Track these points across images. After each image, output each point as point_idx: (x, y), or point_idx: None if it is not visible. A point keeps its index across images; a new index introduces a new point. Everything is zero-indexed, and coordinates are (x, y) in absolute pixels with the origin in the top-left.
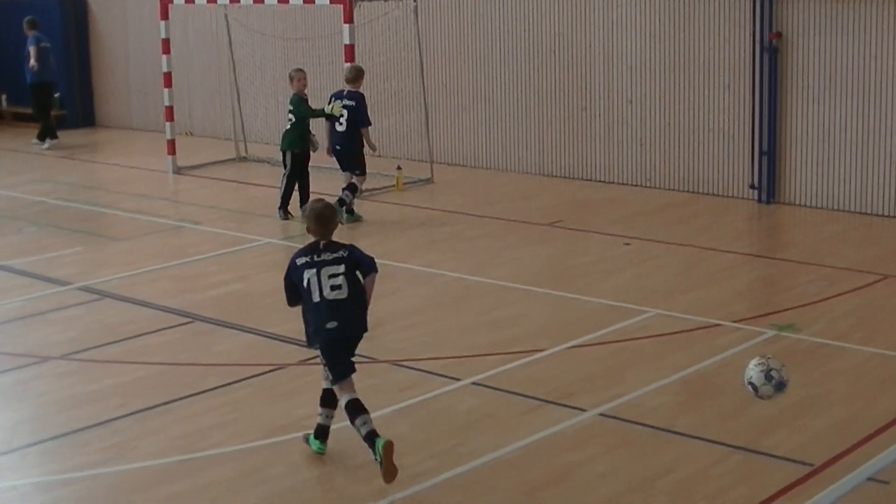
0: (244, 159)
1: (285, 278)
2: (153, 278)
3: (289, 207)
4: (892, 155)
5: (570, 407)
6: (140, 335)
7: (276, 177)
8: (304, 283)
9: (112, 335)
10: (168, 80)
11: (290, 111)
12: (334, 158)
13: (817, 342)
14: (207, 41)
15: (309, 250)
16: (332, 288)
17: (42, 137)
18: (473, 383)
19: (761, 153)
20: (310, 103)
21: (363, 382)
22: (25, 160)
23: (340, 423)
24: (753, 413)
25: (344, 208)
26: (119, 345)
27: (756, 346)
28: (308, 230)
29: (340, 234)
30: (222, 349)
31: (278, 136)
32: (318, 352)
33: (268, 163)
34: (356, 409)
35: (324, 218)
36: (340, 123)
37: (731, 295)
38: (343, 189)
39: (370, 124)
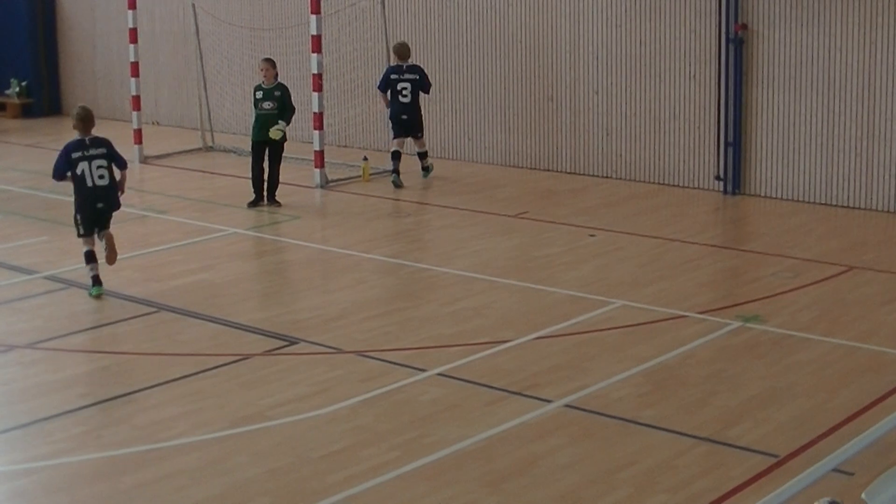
0: (210, 149)
1: (58, 161)
2: (119, 267)
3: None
4: (857, 147)
5: (534, 398)
6: (105, 324)
7: (242, 166)
8: (79, 172)
9: (77, 324)
10: (135, 69)
11: (278, 98)
12: (395, 127)
13: (781, 333)
14: (174, 30)
15: (79, 146)
16: (99, 177)
17: None
18: (438, 374)
19: (727, 144)
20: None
21: (327, 374)
22: None
23: (305, 414)
24: (718, 404)
25: (430, 167)
26: (84, 334)
27: (721, 338)
28: (75, 128)
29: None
30: (187, 339)
31: (245, 126)
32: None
33: (234, 152)
34: (89, 258)
35: (87, 119)
36: (404, 96)
37: (695, 286)
38: (421, 154)
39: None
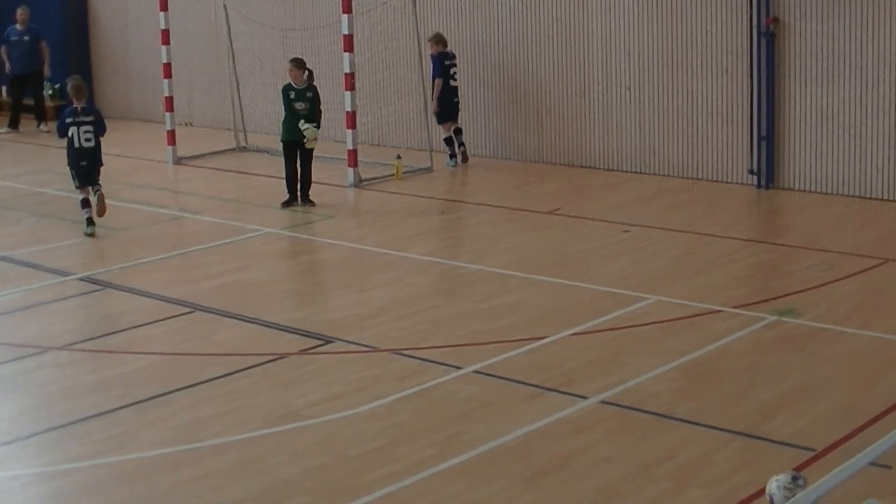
0: (244, 149)
1: (58, 123)
2: (153, 268)
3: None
4: (890, 138)
5: (570, 394)
6: (140, 325)
7: (276, 166)
8: (69, 134)
9: (113, 325)
10: (168, 70)
11: (310, 99)
12: (449, 112)
13: (817, 327)
14: (206, 31)
15: (72, 113)
16: (86, 140)
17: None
18: (474, 371)
19: (759, 138)
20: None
21: (363, 373)
22: (25, 150)
23: (341, 413)
24: (754, 398)
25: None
26: (120, 335)
27: (756, 332)
28: (70, 97)
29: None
30: (223, 339)
31: (278, 126)
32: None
33: (267, 152)
34: (84, 204)
35: (79, 89)
36: (455, 80)
37: (730, 280)
38: (458, 135)
39: None
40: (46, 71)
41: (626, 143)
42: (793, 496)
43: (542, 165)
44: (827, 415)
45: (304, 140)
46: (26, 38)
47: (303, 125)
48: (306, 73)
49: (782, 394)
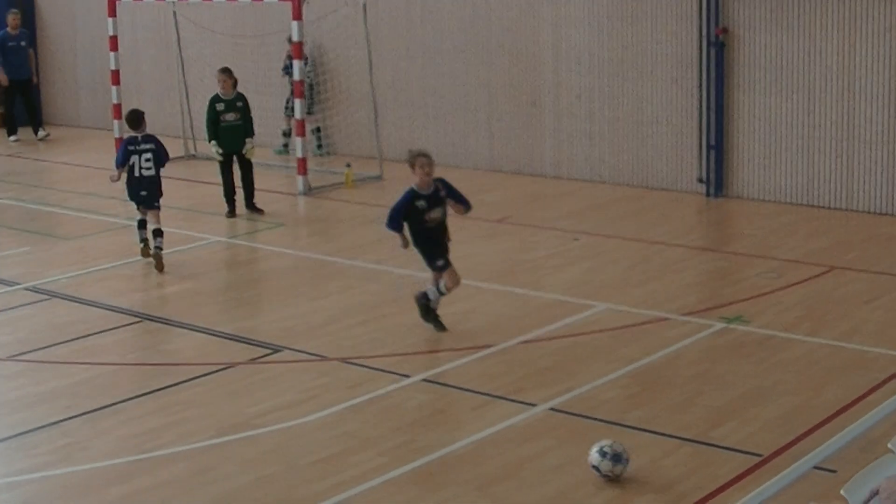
0: (193, 157)
1: (119, 153)
2: (102, 277)
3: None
4: (837, 147)
5: (521, 402)
6: (89, 335)
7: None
8: (129, 162)
9: (60, 335)
10: (116, 77)
11: (240, 108)
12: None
13: (766, 333)
14: (156, 38)
15: (132, 141)
16: (146, 169)
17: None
18: (424, 380)
19: (709, 147)
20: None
21: (313, 382)
22: None
23: (292, 421)
24: (703, 405)
25: None
26: (68, 345)
27: (706, 339)
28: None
29: None
30: (172, 348)
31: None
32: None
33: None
34: (141, 225)
35: (137, 119)
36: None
37: (680, 288)
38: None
39: None
40: (35, 78)
41: (577, 152)
42: (600, 446)
43: (493, 174)
44: (775, 420)
45: (244, 150)
46: (22, 43)
47: (248, 147)
48: (234, 82)
49: (731, 400)
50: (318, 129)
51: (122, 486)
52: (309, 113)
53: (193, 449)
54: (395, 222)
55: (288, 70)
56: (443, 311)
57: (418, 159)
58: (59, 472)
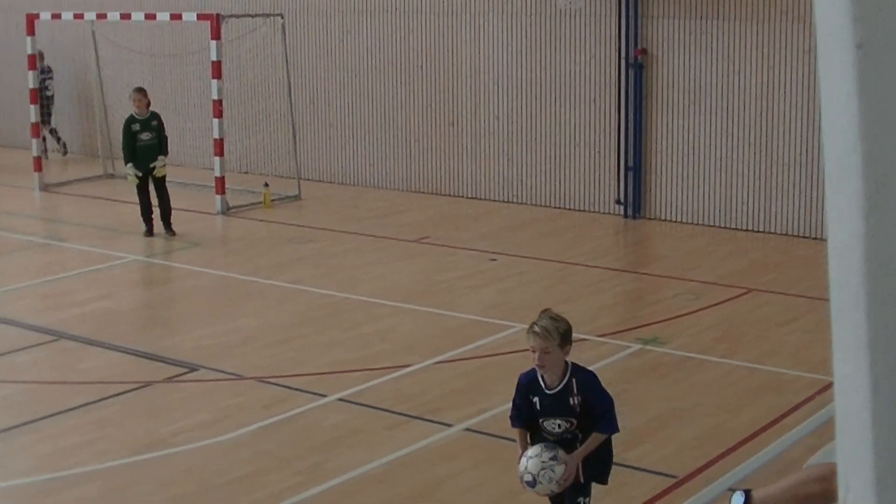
0: (111, 176)
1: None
2: (19, 296)
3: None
4: (755, 170)
5: (436, 422)
6: (5, 353)
7: None
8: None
9: None
10: (34, 96)
11: (154, 127)
12: None
13: (682, 355)
14: (75, 57)
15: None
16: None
17: None
18: (339, 399)
19: (626, 168)
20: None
21: (229, 401)
22: None
23: (208, 440)
24: (620, 426)
25: None
26: None
27: (623, 360)
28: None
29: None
30: (88, 366)
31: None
32: None
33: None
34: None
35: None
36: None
37: (597, 309)
38: None
39: None
40: None
41: (495, 172)
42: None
43: (411, 194)
44: (691, 442)
45: (154, 171)
46: None
47: (158, 163)
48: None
49: (647, 421)
50: (54, 131)
51: None
52: (43, 122)
53: (109, 468)
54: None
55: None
56: (360, 331)
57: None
58: None
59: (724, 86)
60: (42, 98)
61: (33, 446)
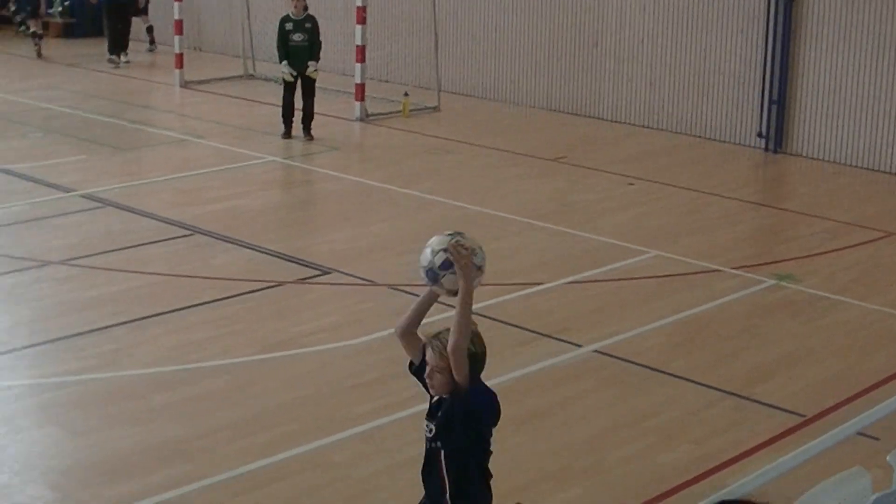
0: (252, 77)
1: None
2: (155, 189)
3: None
4: None
5: (565, 341)
6: (140, 245)
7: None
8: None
9: (112, 243)
10: None
11: (308, 30)
12: None
13: (816, 294)
14: None
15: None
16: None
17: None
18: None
19: (770, 102)
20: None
21: (360, 305)
22: (34, 66)
23: (336, 343)
24: (747, 360)
25: None
26: (118, 253)
27: (755, 294)
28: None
29: None
30: (220, 263)
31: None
32: None
33: (275, 81)
34: None
35: None
36: None
37: (732, 241)
38: None
39: None
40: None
41: (636, 96)
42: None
43: (551, 113)
44: (819, 382)
45: (308, 72)
46: None
47: (310, 69)
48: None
49: (776, 358)
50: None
51: (165, 394)
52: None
53: (236, 363)
54: None
55: None
56: (492, 246)
57: None
58: (104, 375)
59: (878, 23)
60: None
61: (162, 338)
